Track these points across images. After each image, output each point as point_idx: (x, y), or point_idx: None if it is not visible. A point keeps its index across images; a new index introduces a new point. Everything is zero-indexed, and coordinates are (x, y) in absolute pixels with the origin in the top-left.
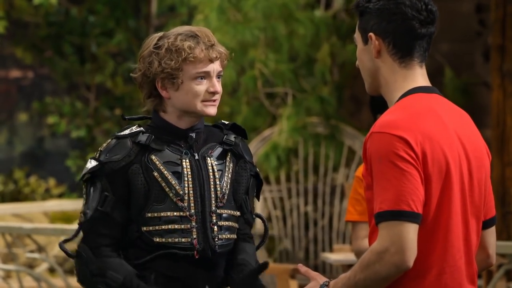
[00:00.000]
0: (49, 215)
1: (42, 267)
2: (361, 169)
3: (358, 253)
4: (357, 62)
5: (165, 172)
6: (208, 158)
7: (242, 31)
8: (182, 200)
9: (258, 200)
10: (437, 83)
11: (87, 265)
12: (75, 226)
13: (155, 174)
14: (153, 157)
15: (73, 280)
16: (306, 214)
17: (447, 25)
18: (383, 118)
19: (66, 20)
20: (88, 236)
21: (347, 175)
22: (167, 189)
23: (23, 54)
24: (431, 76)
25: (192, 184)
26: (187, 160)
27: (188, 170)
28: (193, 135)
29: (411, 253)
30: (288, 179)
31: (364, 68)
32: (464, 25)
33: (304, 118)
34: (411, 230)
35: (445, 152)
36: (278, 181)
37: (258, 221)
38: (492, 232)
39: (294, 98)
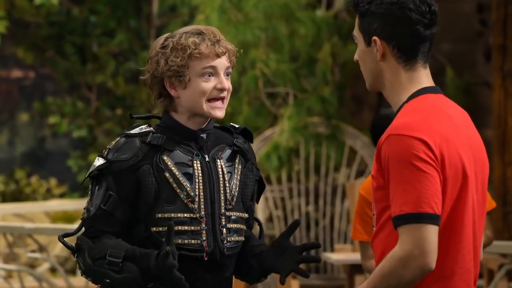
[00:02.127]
0: (51, 215)
1: (44, 267)
2: (365, 185)
3: (371, 272)
4: (355, 57)
5: (177, 173)
6: (218, 160)
7: (243, 31)
8: (192, 201)
9: (257, 203)
10: (439, 83)
11: (89, 253)
12: (76, 226)
13: (167, 174)
14: (165, 158)
15: (75, 280)
16: (307, 214)
17: (448, 25)
18: (399, 120)
19: (68, 20)
20: (88, 230)
21: (348, 175)
22: (178, 190)
23: (24, 54)
24: (432, 76)
25: (203, 186)
26: (198, 162)
27: (199, 171)
28: (204, 136)
29: (434, 255)
30: (289, 179)
31: (366, 68)
32: (465, 25)
33: (305, 118)
34: (433, 232)
35: (460, 154)
36: (279, 181)
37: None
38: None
39: (295, 98)
